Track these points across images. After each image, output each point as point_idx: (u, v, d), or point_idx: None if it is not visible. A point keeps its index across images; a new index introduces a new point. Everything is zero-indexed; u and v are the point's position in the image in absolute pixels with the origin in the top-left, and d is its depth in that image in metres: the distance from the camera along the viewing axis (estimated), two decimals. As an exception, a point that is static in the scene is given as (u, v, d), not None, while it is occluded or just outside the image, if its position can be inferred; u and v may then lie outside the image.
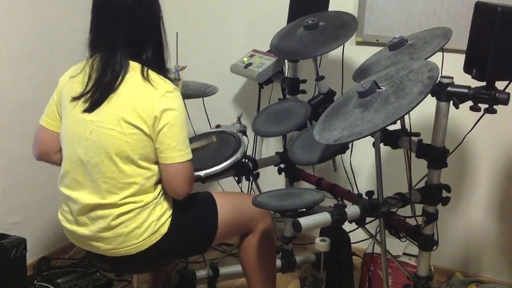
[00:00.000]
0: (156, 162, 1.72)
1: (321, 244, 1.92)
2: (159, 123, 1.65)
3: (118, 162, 1.66)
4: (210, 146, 2.13)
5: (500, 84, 1.71)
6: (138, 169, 1.68)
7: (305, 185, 2.49)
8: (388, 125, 1.52)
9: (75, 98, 1.69)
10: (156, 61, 1.72)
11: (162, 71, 1.73)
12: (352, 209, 1.71)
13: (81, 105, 1.68)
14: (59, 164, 1.80)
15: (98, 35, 1.70)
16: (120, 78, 1.65)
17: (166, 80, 1.72)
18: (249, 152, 2.45)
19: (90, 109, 1.66)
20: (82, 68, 1.71)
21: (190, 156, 1.72)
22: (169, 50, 1.78)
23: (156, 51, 1.73)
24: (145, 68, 1.68)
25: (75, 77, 1.72)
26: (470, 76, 1.74)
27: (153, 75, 1.69)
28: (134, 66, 1.68)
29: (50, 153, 1.81)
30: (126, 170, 1.67)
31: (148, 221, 1.71)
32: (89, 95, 1.67)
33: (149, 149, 1.68)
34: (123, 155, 1.66)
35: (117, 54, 1.66)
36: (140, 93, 1.65)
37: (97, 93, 1.66)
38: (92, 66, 1.68)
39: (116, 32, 1.66)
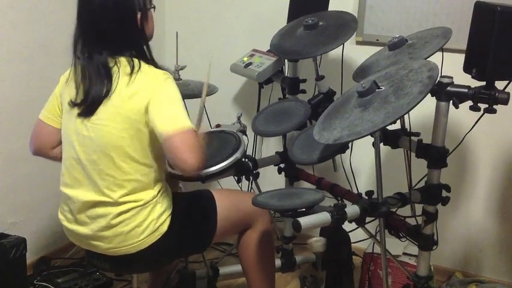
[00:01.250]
0: (155, 158, 1.71)
1: (317, 244, 1.92)
2: (151, 105, 1.62)
3: (115, 158, 1.66)
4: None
5: (500, 84, 1.71)
6: (136, 165, 1.68)
7: (305, 184, 2.49)
8: (388, 125, 1.52)
9: (72, 104, 1.70)
10: (140, 54, 1.70)
11: (150, 62, 1.72)
12: (352, 209, 1.71)
13: (77, 110, 1.69)
14: (55, 159, 1.81)
15: (78, 36, 1.70)
16: (110, 80, 1.64)
17: (157, 69, 1.70)
18: (249, 152, 2.45)
19: (85, 115, 1.67)
20: (73, 72, 1.71)
21: (185, 124, 1.61)
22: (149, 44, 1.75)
23: (138, 46, 1.71)
24: (135, 60, 1.67)
25: (68, 82, 1.73)
26: (470, 76, 1.74)
27: (144, 65, 1.67)
28: (122, 61, 1.67)
29: (46, 148, 1.82)
30: (124, 167, 1.67)
31: (148, 220, 1.71)
32: (82, 104, 1.67)
33: (145, 140, 1.66)
34: (120, 151, 1.66)
35: (99, 55, 1.65)
36: (134, 87, 1.64)
37: (89, 102, 1.66)
38: (79, 70, 1.68)
39: (92, 33, 1.66)
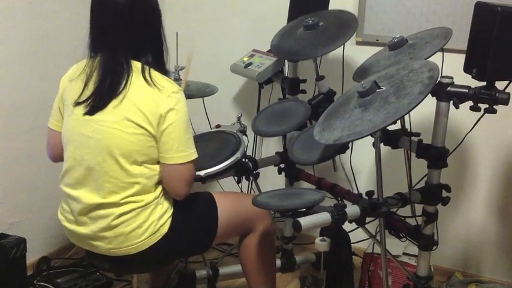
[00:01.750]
0: (159, 162, 1.72)
1: (321, 244, 1.92)
2: (163, 123, 1.65)
3: (121, 161, 1.66)
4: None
5: (500, 84, 1.71)
6: (140, 169, 1.68)
7: (305, 185, 2.49)
8: (388, 125, 1.52)
9: (76, 102, 1.69)
10: (156, 61, 1.71)
11: (163, 71, 1.73)
12: (352, 209, 1.71)
13: (82, 108, 1.68)
14: None
15: (97, 35, 1.69)
16: (123, 81, 1.64)
17: (171, 80, 1.72)
18: (249, 152, 2.45)
19: (91, 112, 1.66)
20: (82, 70, 1.71)
21: (193, 156, 1.72)
22: (168, 51, 1.77)
23: (156, 51, 1.72)
24: (147, 68, 1.67)
25: (75, 80, 1.72)
26: (471, 76, 1.74)
27: (156, 75, 1.68)
28: (137, 67, 1.67)
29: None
30: (129, 170, 1.67)
31: (149, 221, 1.71)
32: (90, 99, 1.66)
33: (153, 149, 1.68)
34: (126, 155, 1.65)
35: (116, 55, 1.65)
36: (145, 94, 1.65)
37: (98, 98, 1.65)
38: (92, 68, 1.68)
39: (115, 32, 1.66)
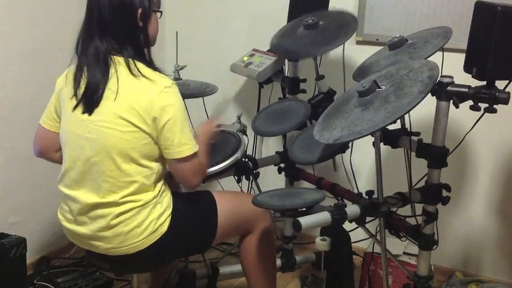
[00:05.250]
0: (157, 160, 1.72)
1: (322, 243, 1.92)
2: (160, 120, 1.65)
3: (118, 161, 1.66)
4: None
5: (500, 84, 1.71)
6: (138, 167, 1.68)
7: (305, 184, 2.49)
8: (388, 125, 1.52)
9: (73, 103, 1.69)
10: (138, 54, 1.70)
11: (147, 62, 1.72)
12: (352, 209, 1.71)
13: (79, 107, 1.68)
14: (58, 162, 1.81)
15: (80, 36, 1.71)
16: (108, 74, 1.65)
17: (162, 74, 1.71)
18: (249, 152, 2.45)
19: (88, 110, 1.67)
20: (74, 71, 1.71)
21: (195, 149, 1.72)
22: (149, 43, 1.75)
23: (134, 44, 1.70)
24: (131, 61, 1.67)
25: (69, 81, 1.72)
26: (471, 75, 1.74)
27: (144, 68, 1.68)
28: (120, 61, 1.67)
29: (49, 152, 1.83)
30: (126, 169, 1.67)
31: (148, 220, 1.71)
32: (82, 96, 1.67)
33: (149, 146, 1.68)
34: (123, 154, 1.66)
35: (98, 53, 1.65)
36: (138, 90, 1.65)
37: (89, 93, 1.66)
38: (81, 69, 1.69)
39: (92, 31, 1.67)
